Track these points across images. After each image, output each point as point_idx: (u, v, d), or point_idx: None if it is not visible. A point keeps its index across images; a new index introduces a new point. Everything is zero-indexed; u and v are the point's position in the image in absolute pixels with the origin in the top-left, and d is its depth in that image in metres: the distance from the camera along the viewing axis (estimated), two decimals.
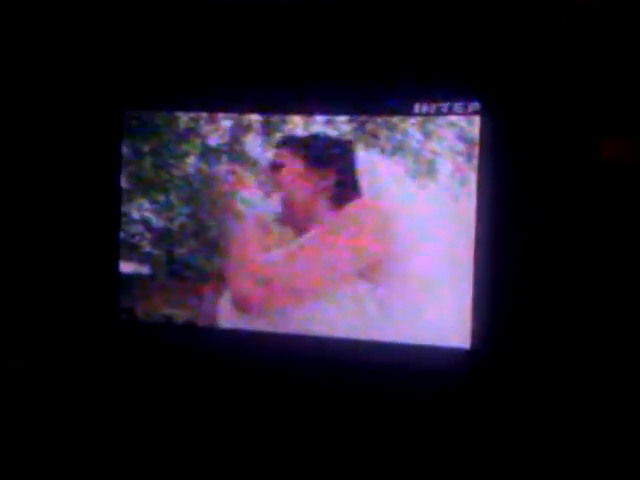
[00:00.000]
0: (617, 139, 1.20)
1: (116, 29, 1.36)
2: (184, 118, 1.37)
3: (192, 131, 1.37)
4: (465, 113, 1.27)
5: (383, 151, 1.30)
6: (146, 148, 1.39)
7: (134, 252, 1.39)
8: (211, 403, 1.35)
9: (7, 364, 1.38)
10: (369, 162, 1.30)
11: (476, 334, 1.24)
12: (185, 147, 1.38)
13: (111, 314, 1.39)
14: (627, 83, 1.21)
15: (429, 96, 1.28)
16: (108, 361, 1.39)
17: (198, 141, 1.37)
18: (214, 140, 1.37)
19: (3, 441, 1.34)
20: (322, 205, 1.32)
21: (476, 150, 1.25)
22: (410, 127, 1.29)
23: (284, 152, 1.34)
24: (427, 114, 1.28)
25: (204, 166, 1.37)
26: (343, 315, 1.30)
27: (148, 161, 1.39)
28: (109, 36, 1.36)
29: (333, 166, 1.32)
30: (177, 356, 1.36)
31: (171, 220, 1.39)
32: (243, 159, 1.36)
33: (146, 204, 1.39)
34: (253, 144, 1.36)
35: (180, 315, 1.37)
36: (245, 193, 1.35)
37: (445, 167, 1.27)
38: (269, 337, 1.33)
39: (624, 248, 1.21)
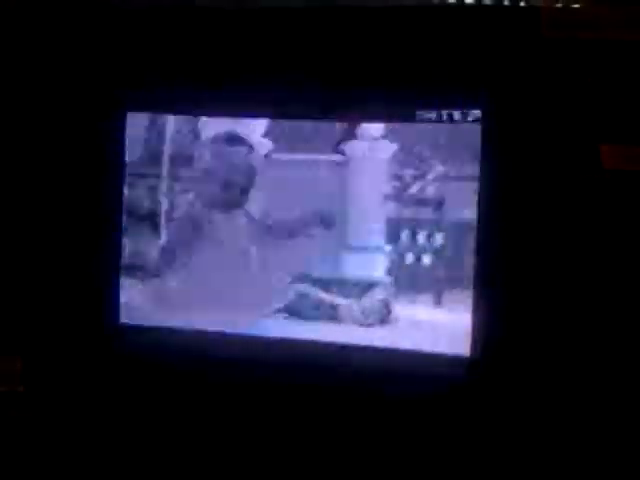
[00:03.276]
0: (617, 146, 1.21)
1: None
2: None
3: None
4: (466, 121, 1.27)
5: None
6: None
7: None
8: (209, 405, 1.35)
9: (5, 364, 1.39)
10: None
11: (476, 341, 1.23)
12: None
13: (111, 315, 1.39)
14: (627, 90, 1.21)
15: (431, 103, 1.28)
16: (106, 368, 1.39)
17: None
18: None
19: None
20: None
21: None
22: None
23: None
24: (428, 121, 1.28)
25: None
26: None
27: None
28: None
29: None
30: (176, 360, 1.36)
31: None
32: None
33: None
34: None
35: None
36: None
37: None
38: (261, 341, 1.33)
39: (627, 256, 1.21)
